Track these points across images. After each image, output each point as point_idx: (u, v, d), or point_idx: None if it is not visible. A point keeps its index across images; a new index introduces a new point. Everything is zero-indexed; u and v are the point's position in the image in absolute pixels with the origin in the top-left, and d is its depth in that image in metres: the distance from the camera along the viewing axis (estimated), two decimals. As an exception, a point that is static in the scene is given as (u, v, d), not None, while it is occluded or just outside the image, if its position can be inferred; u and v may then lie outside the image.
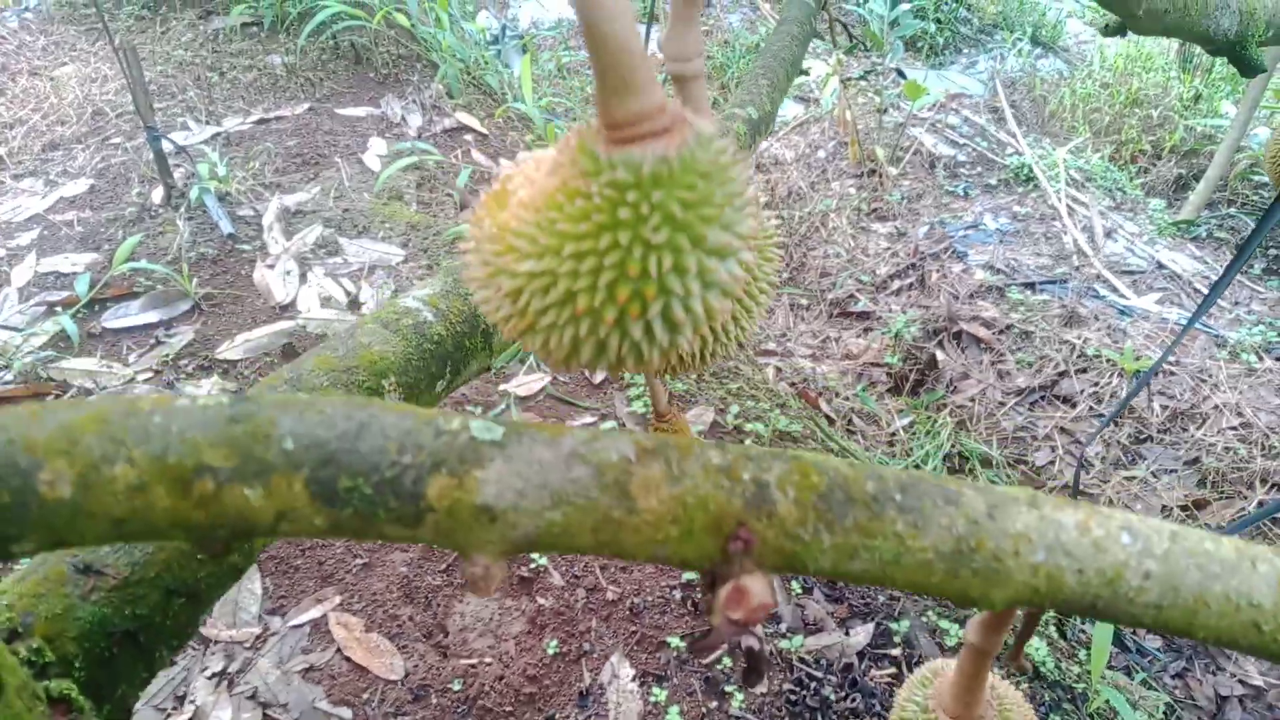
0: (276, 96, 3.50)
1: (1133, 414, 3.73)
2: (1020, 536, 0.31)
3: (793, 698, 1.72)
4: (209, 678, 1.72)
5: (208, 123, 3.31)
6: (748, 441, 2.36)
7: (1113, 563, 0.32)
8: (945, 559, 0.31)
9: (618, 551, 0.31)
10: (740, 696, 1.72)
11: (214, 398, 0.29)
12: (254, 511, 0.28)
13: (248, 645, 1.78)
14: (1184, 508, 3.38)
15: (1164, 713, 2.17)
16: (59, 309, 2.52)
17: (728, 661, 1.79)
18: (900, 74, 5.65)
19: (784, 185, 5.10)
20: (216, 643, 1.78)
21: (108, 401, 0.28)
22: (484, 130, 3.51)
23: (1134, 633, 2.72)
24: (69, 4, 4.06)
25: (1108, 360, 3.76)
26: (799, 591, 1.96)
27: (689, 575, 1.94)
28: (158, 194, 2.89)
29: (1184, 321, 4.09)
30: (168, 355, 2.41)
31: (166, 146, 2.80)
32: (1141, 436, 3.70)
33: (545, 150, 0.29)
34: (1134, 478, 3.58)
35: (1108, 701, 1.78)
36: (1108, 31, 1.04)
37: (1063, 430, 3.78)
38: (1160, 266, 4.28)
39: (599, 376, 2.58)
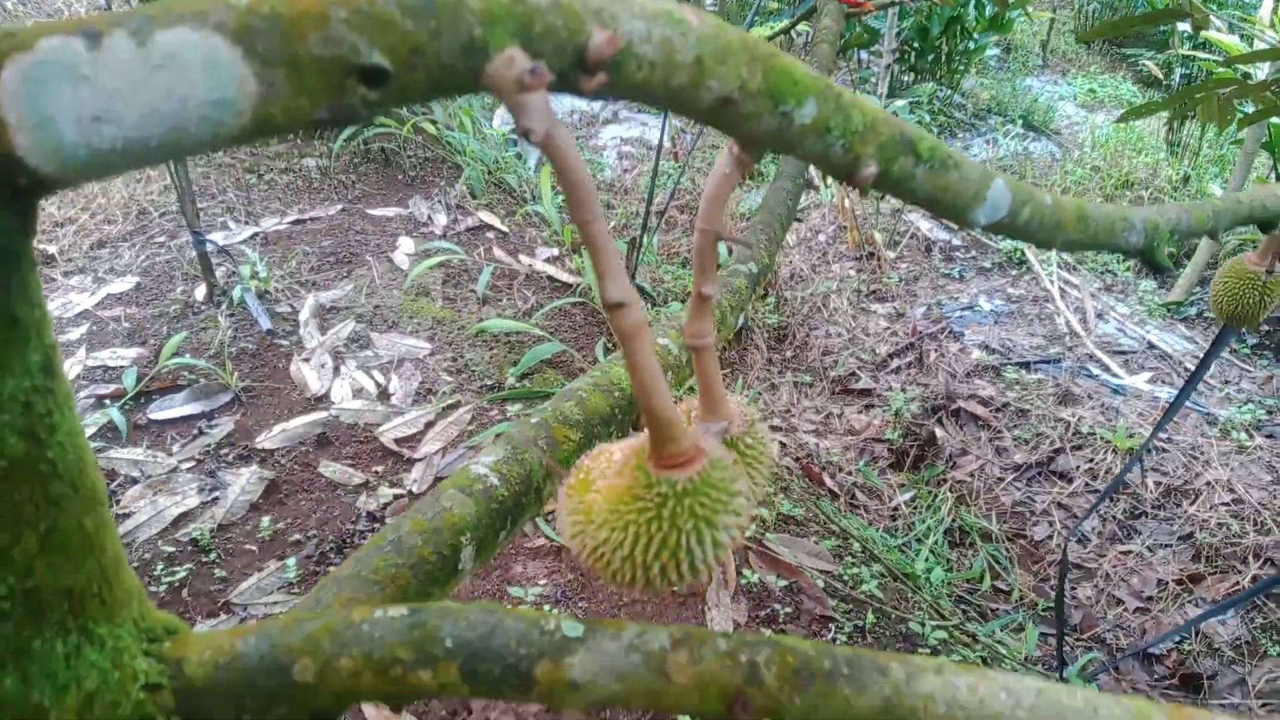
0: (311, 198, 3.73)
1: (1127, 490, 3.84)
2: (928, 696, 0.47)
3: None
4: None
5: (246, 223, 3.54)
6: (751, 529, 2.50)
7: (993, 712, 0.47)
8: (878, 713, 0.47)
9: (659, 709, 0.46)
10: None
11: (399, 611, 0.45)
12: (424, 686, 0.44)
13: None
14: (1179, 581, 3.48)
15: None
16: (108, 401, 2.69)
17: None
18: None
19: (787, 268, 5.31)
20: None
21: (334, 617, 0.44)
22: (504, 229, 3.73)
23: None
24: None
25: (1101, 438, 3.89)
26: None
27: None
28: (200, 291, 3.10)
29: (1174, 398, 4.22)
30: (209, 445, 2.57)
31: (209, 247, 3.01)
32: (1137, 512, 3.81)
33: (609, 446, 0.45)
34: (1129, 552, 3.69)
35: None
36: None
37: (1059, 505, 3.89)
38: (1151, 346, 4.44)
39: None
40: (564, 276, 3.51)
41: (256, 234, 3.46)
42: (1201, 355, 4.48)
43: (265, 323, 2.97)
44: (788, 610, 2.25)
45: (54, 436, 0.33)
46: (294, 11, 0.31)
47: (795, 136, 0.48)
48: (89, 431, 2.59)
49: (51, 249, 3.37)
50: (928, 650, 2.22)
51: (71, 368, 2.83)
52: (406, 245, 3.46)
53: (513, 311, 3.15)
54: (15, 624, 0.33)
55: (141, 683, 0.40)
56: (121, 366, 2.81)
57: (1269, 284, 1.21)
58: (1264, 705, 3.08)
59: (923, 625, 2.32)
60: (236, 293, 3.04)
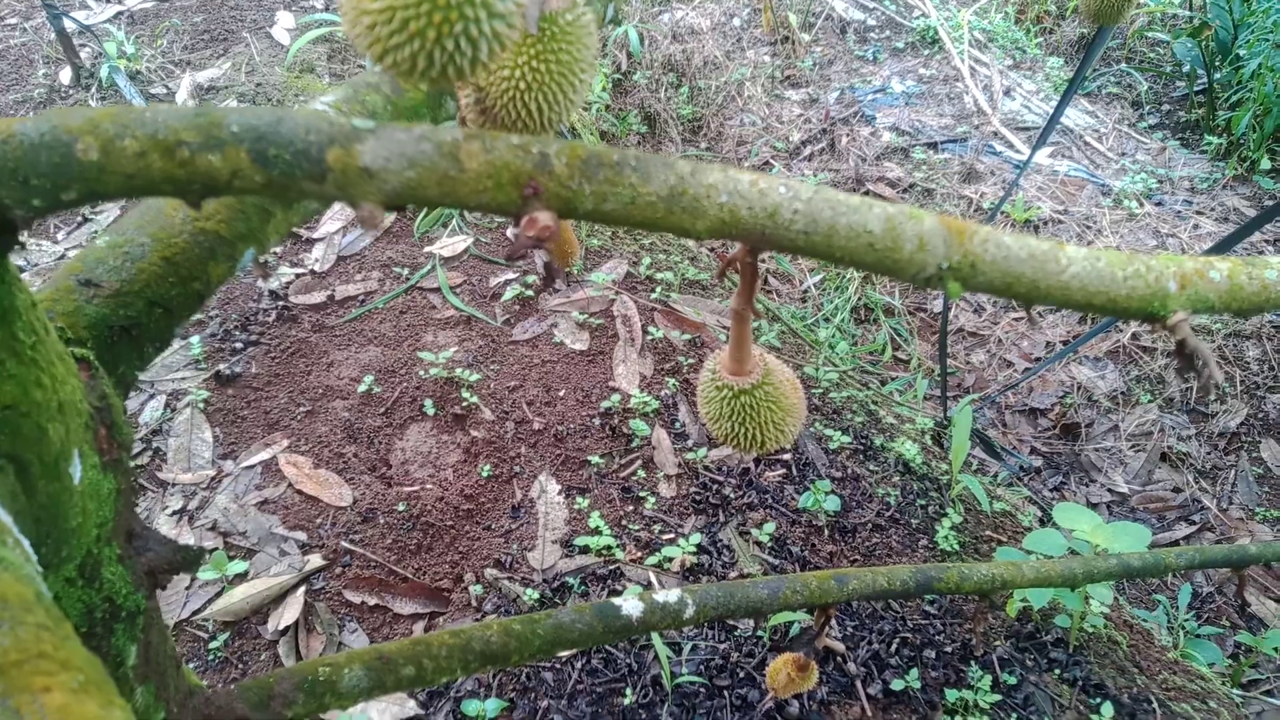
0: (175, -29, 3.42)
1: (1022, 261, 4.00)
2: (711, 186, 0.50)
3: (698, 498, 1.97)
4: (170, 515, 1.89)
5: (109, 1, 3.24)
6: (658, 290, 2.56)
7: (773, 203, 0.51)
8: (664, 200, 0.49)
9: (456, 200, 0.48)
10: (653, 500, 1.97)
11: (187, 106, 0.45)
12: (215, 172, 0.45)
13: (204, 486, 1.95)
14: (1065, 342, 3.72)
15: (1039, 515, 2.50)
16: (-25, 193, 2.54)
17: (642, 474, 2.03)
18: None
19: (700, 55, 5.14)
20: (175, 485, 1.95)
21: (115, 107, 0.44)
22: None
23: (1011, 448, 3.06)
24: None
25: (1002, 213, 4.01)
26: (704, 414, 2.20)
27: (606, 405, 2.16)
28: (65, 74, 2.87)
29: (1074, 174, 4.35)
30: (95, 233, 2.47)
31: (69, 25, 2.76)
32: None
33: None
34: (1021, 318, 3.91)
35: (967, 488, 2.07)
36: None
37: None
38: (1049, 117, 4.51)
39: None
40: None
41: (121, 12, 3.19)
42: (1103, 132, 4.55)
43: (140, 105, 2.78)
44: (691, 361, 2.34)
45: None
46: None
47: None
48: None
49: (-113, 35, 3.05)
50: (819, 390, 2.36)
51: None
52: (286, 20, 3.23)
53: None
54: None
55: (-90, 151, 0.40)
56: (-14, 156, 2.63)
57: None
58: (1133, 446, 3.38)
59: (817, 369, 2.45)
60: (104, 73, 2.83)
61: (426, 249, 2.60)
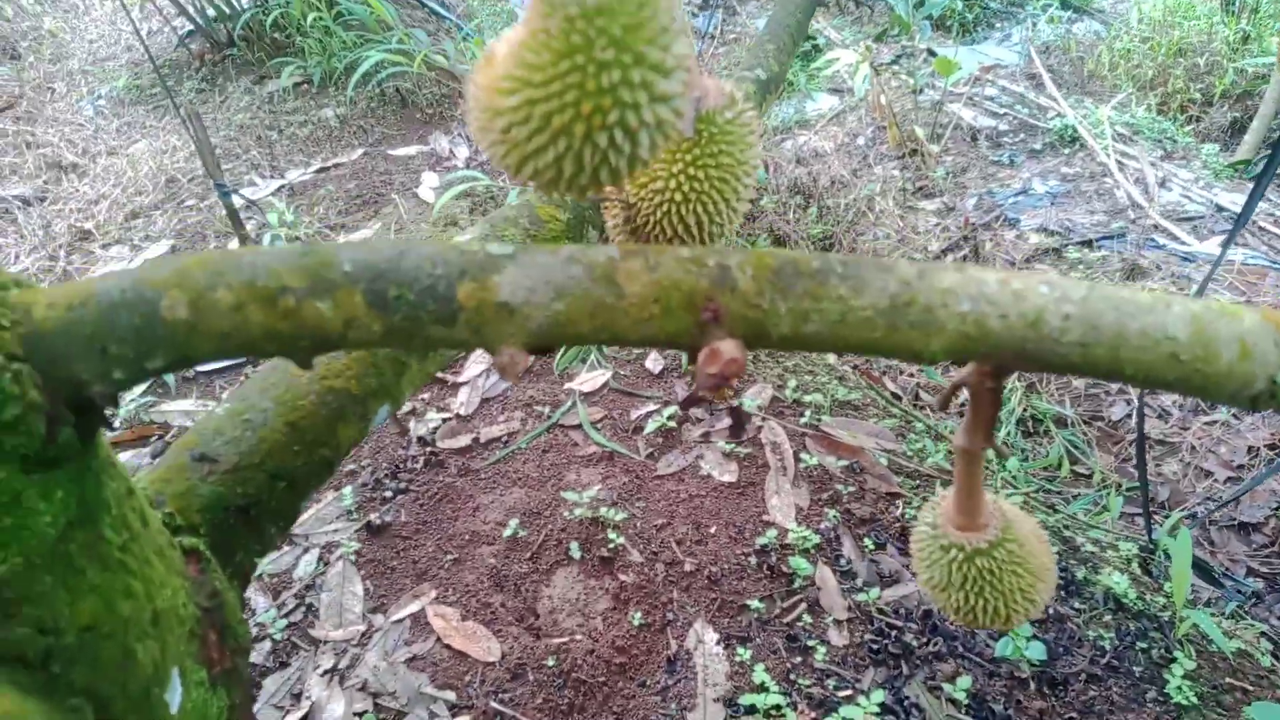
0: (333, 146, 3.70)
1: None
2: (947, 291, 0.38)
3: (874, 646, 1.75)
4: (321, 674, 1.83)
5: (272, 177, 3.52)
6: (807, 414, 2.40)
7: (1033, 307, 0.38)
8: (884, 315, 0.38)
9: (614, 334, 0.38)
10: (823, 650, 1.76)
11: (287, 245, 0.37)
12: (326, 322, 0.36)
13: (354, 642, 1.89)
14: (1272, 446, 3.28)
15: (1272, 649, 2.12)
16: (153, 360, 2.71)
17: (808, 619, 1.83)
18: (931, 53, 5.64)
19: (826, 176, 5.11)
20: (326, 642, 1.90)
21: (210, 252, 0.37)
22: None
23: (1225, 570, 2.66)
24: (136, 88, 4.36)
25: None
26: (872, 548, 1.99)
27: (761, 541, 1.99)
28: (233, 245, 3.09)
29: (1252, 261, 3.98)
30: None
31: (237, 200, 2.99)
32: (1221, 380, 3.60)
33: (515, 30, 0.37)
34: (1215, 422, 3.49)
35: (1196, 626, 1.76)
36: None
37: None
38: (1220, 209, 4.18)
39: (658, 366, 2.64)
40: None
41: (283, 186, 3.45)
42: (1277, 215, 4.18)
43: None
44: (851, 490, 2.15)
45: None
46: None
47: None
48: (139, 389, 2.61)
49: (88, 225, 3.40)
50: (1003, 516, 2.10)
51: (116, 331, 2.85)
52: (430, 180, 3.41)
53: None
54: None
55: (-22, 322, 0.34)
56: (164, 325, 2.82)
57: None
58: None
59: (996, 491, 2.20)
60: (266, 240, 3.02)
61: (567, 385, 2.57)
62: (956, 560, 0.53)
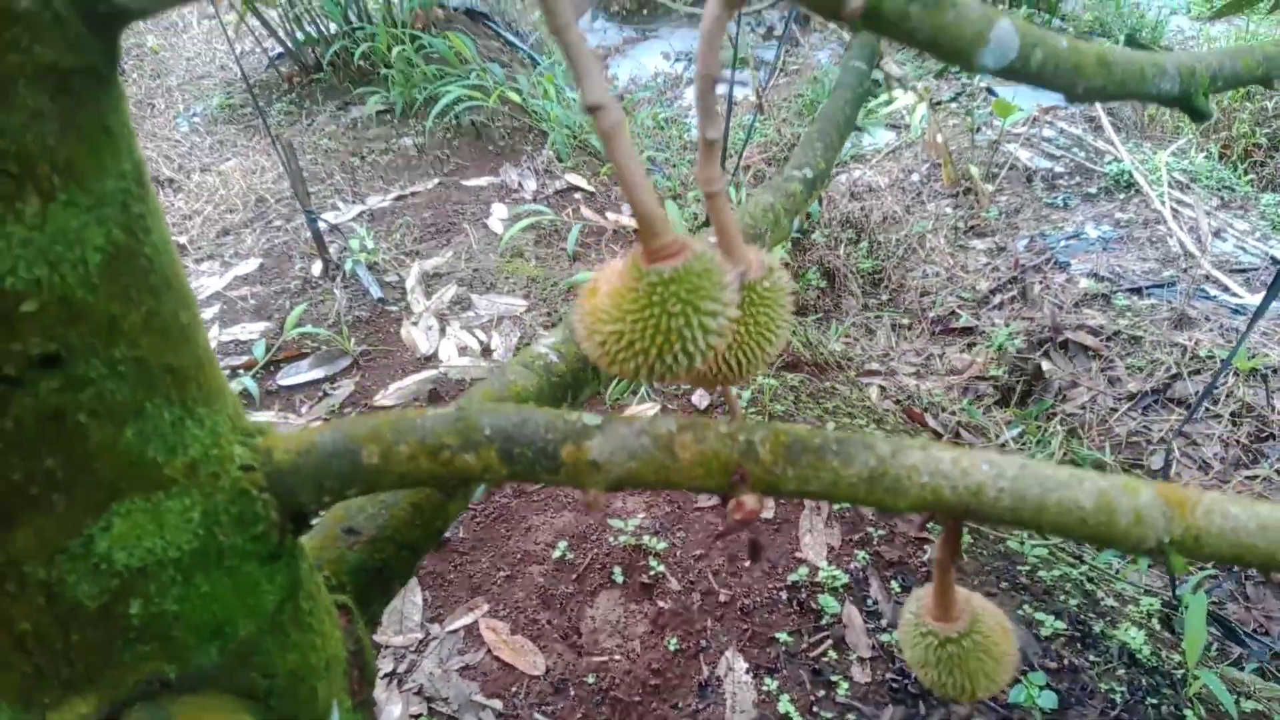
0: (410, 174, 3.92)
1: (1252, 413, 3.64)
2: (912, 468, 0.52)
3: (895, 685, 1.87)
4: (382, 678, 2.01)
5: (354, 202, 3.75)
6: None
7: (976, 482, 0.52)
8: (865, 482, 0.52)
9: (668, 485, 0.53)
10: (846, 685, 1.88)
11: (446, 409, 0.53)
12: (470, 467, 0.52)
13: (413, 649, 2.07)
14: (1315, 507, 3.29)
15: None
16: (241, 371, 2.93)
17: (833, 654, 1.95)
18: (991, 92, 5.69)
19: (879, 211, 5.20)
20: (387, 647, 2.07)
21: (393, 415, 0.53)
22: (591, 188, 3.83)
23: (1250, 628, 2.70)
24: (229, 106, 4.64)
25: (1221, 361, 3.70)
26: (898, 590, 2.10)
27: (793, 577, 2.12)
28: (317, 267, 3.32)
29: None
30: (333, 405, 2.77)
31: (321, 226, 3.21)
32: (1262, 435, 3.61)
33: (615, 261, 0.52)
34: (1256, 476, 3.51)
35: (1206, 687, 1.84)
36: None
37: (1180, 434, 3.72)
38: (1275, 261, 4.17)
39: (703, 402, 2.79)
40: (650, 229, 3.58)
41: (363, 211, 3.67)
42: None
43: (376, 292, 3.16)
44: (881, 533, 2.27)
45: (149, 237, 0.42)
46: None
47: (772, -24, 0.53)
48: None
49: (182, 240, 3.66)
50: (1027, 568, 2.20)
51: (204, 343, 3.08)
52: (500, 211, 3.60)
53: (600, 265, 3.24)
54: (131, 384, 0.42)
55: (238, 463, 0.50)
56: (251, 340, 3.05)
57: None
58: None
59: (1022, 543, 2.30)
60: (348, 266, 3.24)
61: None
62: (932, 645, 0.67)
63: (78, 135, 0.37)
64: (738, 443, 0.52)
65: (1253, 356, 3.61)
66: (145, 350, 0.42)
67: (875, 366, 4.28)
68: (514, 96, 4.02)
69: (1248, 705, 1.95)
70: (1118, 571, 2.61)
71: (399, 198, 3.76)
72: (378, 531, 0.69)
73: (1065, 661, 1.92)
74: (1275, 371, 3.67)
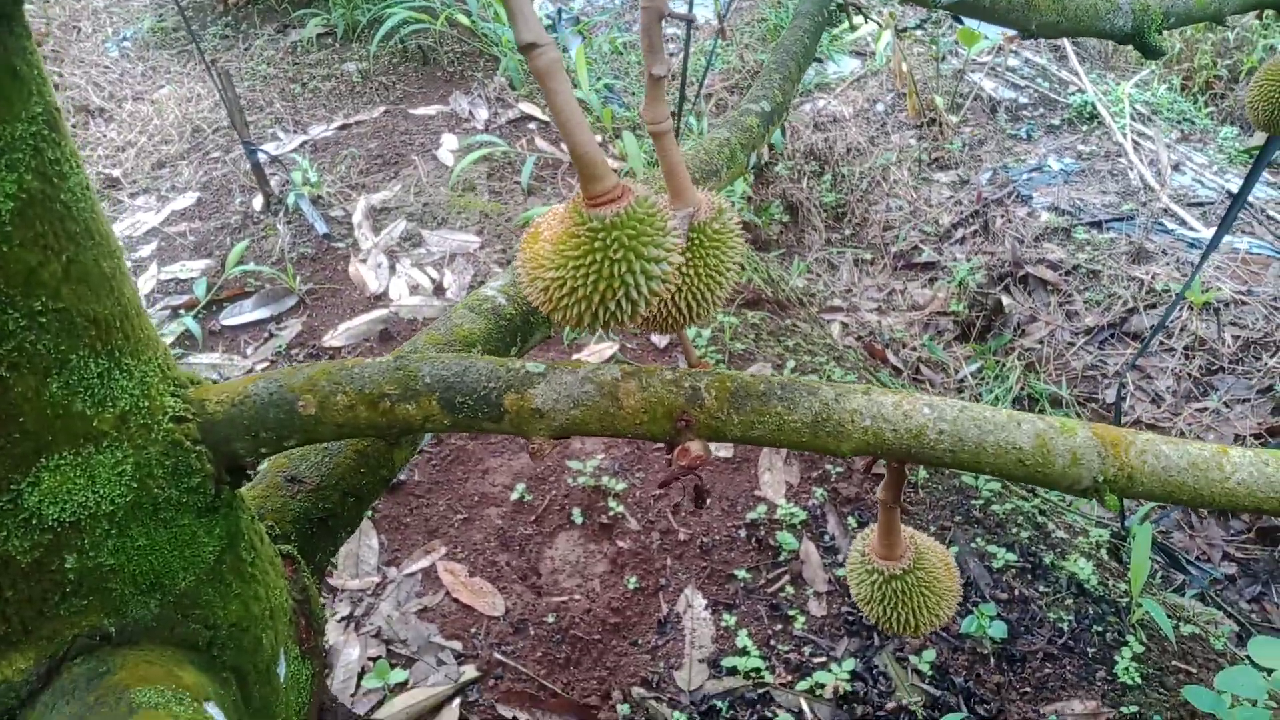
0: (355, 102, 3.80)
1: (1203, 346, 3.73)
2: (855, 411, 0.52)
3: (850, 619, 1.92)
4: (339, 621, 2.02)
5: (295, 132, 3.63)
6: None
7: (917, 425, 0.52)
8: (809, 426, 0.52)
9: (615, 431, 0.52)
10: (802, 619, 1.93)
11: (384, 359, 0.52)
12: (411, 417, 0.51)
13: (369, 593, 2.08)
14: (1257, 435, 3.41)
15: (1236, 632, 2.27)
16: (182, 311, 2.86)
17: (790, 590, 2.00)
18: (957, 19, 5.63)
19: (843, 142, 5.16)
20: (343, 591, 2.08)
21: (330, 364, 0.51)
22: (546, 118, 3.74)
23: (1193, 556, 2.81)
24: (161, 30, 4.44)
25: (1175, 294, 3.77)
26: (855, 525, 2.15)
27: (752, 515, 2.15)
28: (258, 202, 3.22)
29: (1257, 250, 4.06)
30: (280, 346, 2.72)
31: (262, 158, 3.11)
32: (1213, 368, 3.71)
33: (559, 205, 0.50)
34: (1206, 409, 3.61)
35: (1148, 614, 1.92)
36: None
37: (1133, 367, 3.80)
38: (1230, 196, 4.23)
39: (663, 342, 2.79)
40: (609, 162, 3.52)
41: (305, 142, 3.56)
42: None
43: (322, 227, 3.08)
44: (839, 470, 2.31)
45: (65, 183, 0.40)
46: None
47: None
48: (167, 340, 2.76)
49: (115, 173, 3.53)
50: (980, 502, 2.26)
51: (145, 283, 3.00)
52: (450, 142, 3.51)
53: (558, 200, 3.19)
54: (53, 336, 0.40)
55: (170, 414, 0.48)
56: (191, 278, 2.97)
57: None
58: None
59: (975, 478, 2.35)
60: (291, 200, 3.15)
61: (575, 356, 2.71)
62: (877, 582, 0.68)
63: (-26, 75, 0.35)
64: (683, 389, 0.52)
65: (1206, 290, 3.68)
66: (67, 300, 0.41)
67: (838, 303, 4.30)
68: (463, 19, 3.89)
69: (1187, 629, 2.04)
70: (1070, 504, 2.69)
71: (343, 127, 3.65)
72: (321, 480, 0.68)
73: (1015, 592, 1.98)
74: (1227, 305, 3.75)
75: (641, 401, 0.51)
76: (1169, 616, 2.00)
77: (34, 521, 0.43)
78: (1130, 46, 0.88)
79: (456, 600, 2.04)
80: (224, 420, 0.49)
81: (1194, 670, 1.93)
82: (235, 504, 0.54)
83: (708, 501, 2.02)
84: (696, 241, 0.64)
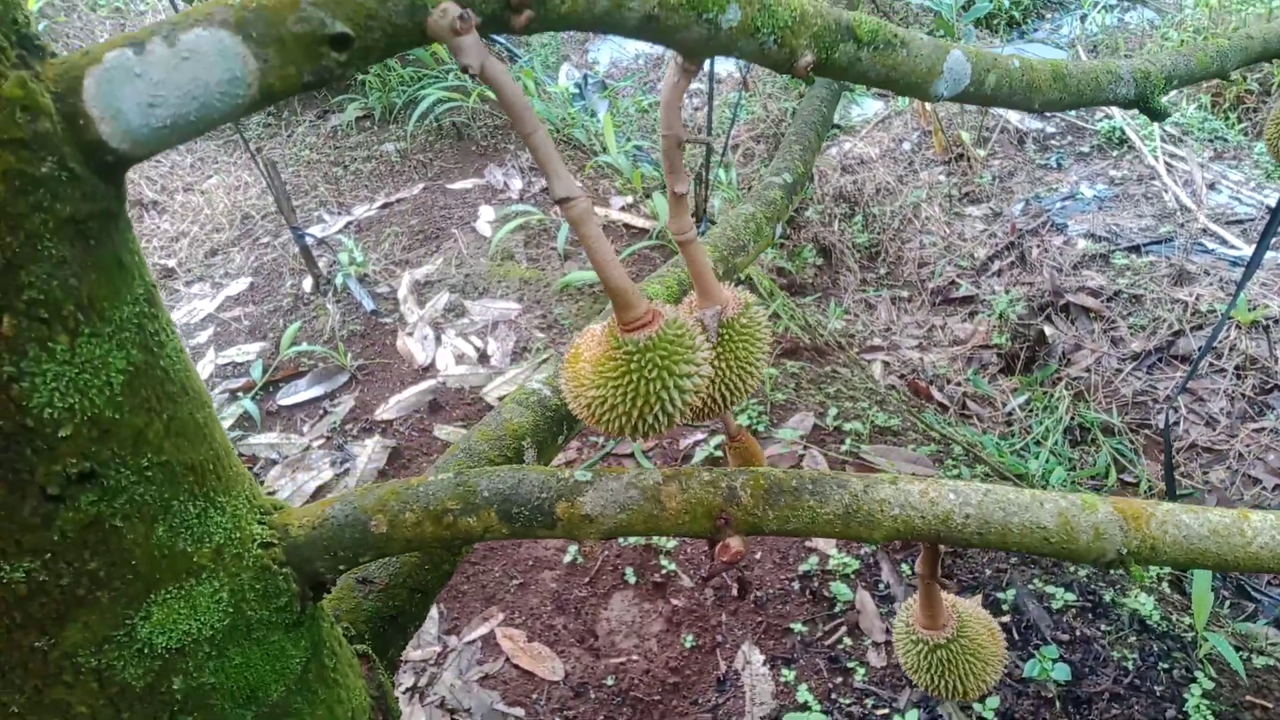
0: (395, 181, 3.95)
1: (1255, 365, 3.66)
2: (884, 500, 0.55)
3: (908, 667, 1.91)
4: (403, 692, 2.06)
5: (339, 213, 3.78)
6: (847, 442, 2.56)
7: (944, 510, 0.55)
8: (841, 518, 0.55)
9: (659, 532, 0.56)
10: (862, 671, 1.92)
11: (446, 475, 0.56)
12: (472, 529, 0.56)
13: (432, 662, 2.12)
14: (1320, 455, 3.32)
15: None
16: (240, 394, 2.97)
17: (848, 641, 1.99)
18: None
19: (871, 183, 5.20)
20: (406, 662, 2.12)
21: (397, 484, 0.56)
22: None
23: (1256, 579, 2.74)
24: (213, 125, 4.66)
25: (1228, 316, 3.70)
26: (909, 573, 2.14)
27: (804, 567, 2.16)
28: (307, 283, 3.35)
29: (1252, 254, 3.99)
30: (335, 422, 2.81)
31: (309, 240, 3.24)
32: (1267, 386, 3.63)
33: (593, 326, 0.55)
34: (1263, 429, 3.53)
35: (1216, 648, 1.88)
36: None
37: (1183, 390, 3.73)
38: (1270, 210, 4.17)
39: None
40: (639, 222, 3.61)
41: (350, 222, 3.70)
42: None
43: (369, 304, 3.19)
44: (889, 514, 2.30)
45: (164, 350, 0.46)
46: (274, 1, 0.41)
47: (726, 40, 0.56)
48: (227, 424, 2.87)
49: (170, 263, 3.69)
50: (1034, 539, 2.24)
51: (204, 368, 3.13)
52: (487, 213, 3.63)
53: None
54: (158, 486, 0.46)
55: (258, 541, 0.53)
56: (248, 361, 3.09)
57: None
58: None
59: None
60: (339, 279, 3.27)
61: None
62: (923, 652, 0.71)
63: (96, 272, 0.41)
64: (720, 489, 0.56)
65: (1254, 308, 3.62)
66: (169, 454, 0.46)
67: (877, 342, 4.30)
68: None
69: (1260, 661, 1.99)
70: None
71: (385, 205, 3.79)
72: (390, 579, 0.73)
73: (1077, 632, 1.96)
74: (1276, 322, 3.69)
75: (682, 503, 0.55)
76: (1240, 648, 1.95)
77: (146, 651, 0.49)
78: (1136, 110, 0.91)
79: (516, 666, 2.07)
80: (305, 543, 0.54)
81: (1270, 706, 1.88)
82: (317, 615, 0.59)
83: (751, 594, 2.05)
84: (727, 336, 0.69)
